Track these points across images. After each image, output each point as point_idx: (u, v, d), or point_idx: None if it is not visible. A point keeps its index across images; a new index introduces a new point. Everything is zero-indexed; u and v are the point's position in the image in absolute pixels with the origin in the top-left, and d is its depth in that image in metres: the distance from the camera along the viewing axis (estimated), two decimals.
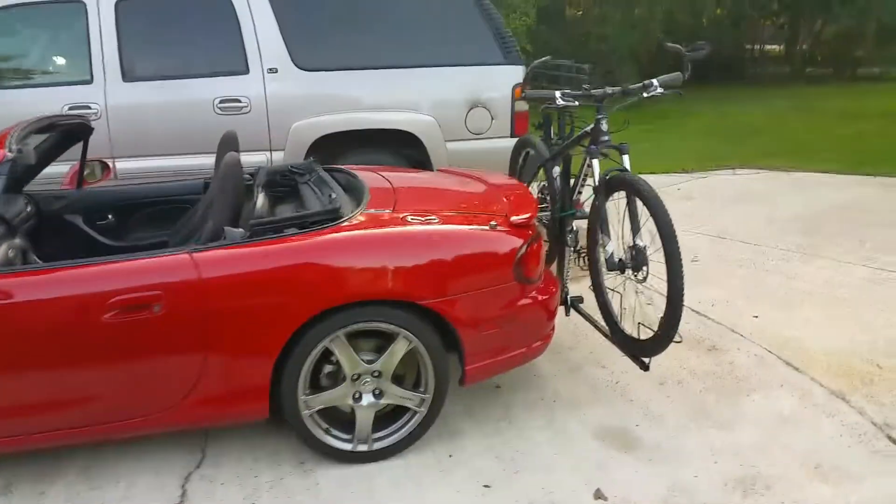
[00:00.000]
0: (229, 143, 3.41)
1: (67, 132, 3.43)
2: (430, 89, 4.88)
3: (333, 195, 3.02)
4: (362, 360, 2.66)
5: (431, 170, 4.84)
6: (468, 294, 2.69)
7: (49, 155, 3.47)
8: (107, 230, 3.63)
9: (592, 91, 3.24)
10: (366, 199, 2.90)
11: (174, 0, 4.71)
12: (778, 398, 3.22)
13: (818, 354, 3.59)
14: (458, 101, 4.90)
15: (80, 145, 3.56)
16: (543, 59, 4.30)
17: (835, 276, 4.60)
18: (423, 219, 2.75)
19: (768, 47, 16.94)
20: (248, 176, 3.50)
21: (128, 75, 4.61)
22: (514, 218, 2.85)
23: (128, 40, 4.61)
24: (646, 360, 3.07)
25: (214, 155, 4.70)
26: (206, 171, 3.78)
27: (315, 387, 2.69)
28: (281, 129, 4.75)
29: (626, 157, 3.17)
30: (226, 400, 2.60)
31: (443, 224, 2.77)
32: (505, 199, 3.13)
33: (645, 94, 3.21)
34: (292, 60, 4.74)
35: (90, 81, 4.57)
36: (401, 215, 2.76)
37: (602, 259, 3.15)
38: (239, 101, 4.68)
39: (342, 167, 3.63)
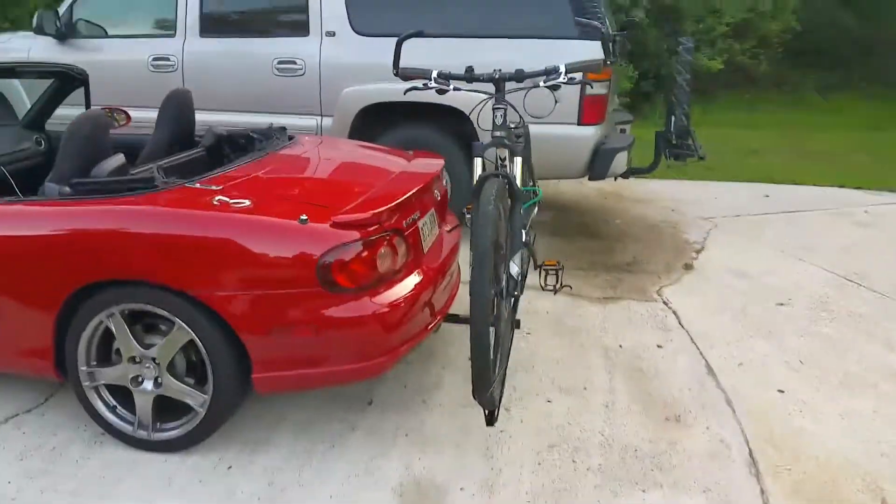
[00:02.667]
0: (175, 102, 3.34)
1: (66, 77, 3.66)
2: (487, 63, 4.37)
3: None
4: (142, 344, 2.49)
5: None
6: (251, 292, 2.36)
7: (56, 98, 3.75)
8: None
9: (477, 73, 2.64)
10: (211, 173, 2.69)
11: None
12: None
13: (808, 461, 2.59)
14: None
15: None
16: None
17: None
18: (232, 201, 2.45)
19: None
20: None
21: (204, 30, 4.81)
22: (338, 216, 2.42)
23: None
24: (493, 411, 2.48)
25: (275, 115, 4.71)
26: None
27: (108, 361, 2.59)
28: (332, 95, 4.62)
29: (517, 161, 2.54)
30: (18, 350, 2.61)
31: (250, 210, 2.44)
32: (372, 191, 2.68)
33: (543, 83, 2.55)
34: (350, 24, 4.56)
35: (173, 35, 4.87)
36: (215, 196, 2.48)
37: None
38: (294, 63, 4.63)
39: (293, 134, 3.42)
